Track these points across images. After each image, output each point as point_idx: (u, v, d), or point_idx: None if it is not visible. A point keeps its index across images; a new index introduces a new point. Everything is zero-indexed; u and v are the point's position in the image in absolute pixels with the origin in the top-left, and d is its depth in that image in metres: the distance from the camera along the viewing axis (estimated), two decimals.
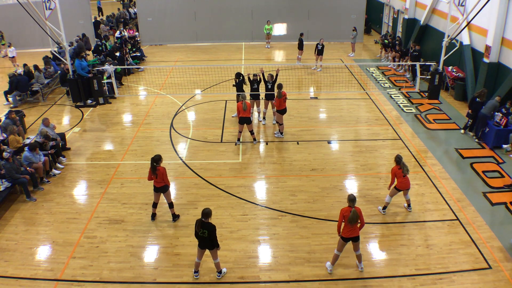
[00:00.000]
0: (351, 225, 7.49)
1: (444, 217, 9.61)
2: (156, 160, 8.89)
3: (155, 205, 9.46)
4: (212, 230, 7.44)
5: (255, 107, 14.40)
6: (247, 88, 14.13)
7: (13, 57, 20.71)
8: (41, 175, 10.97)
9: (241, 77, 13.81)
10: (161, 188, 9.10)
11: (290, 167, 11.69)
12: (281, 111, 12.92)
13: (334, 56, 22.07)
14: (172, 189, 10.66)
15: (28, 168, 10.54)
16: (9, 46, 20.74)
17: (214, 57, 22.63)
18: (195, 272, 8.03)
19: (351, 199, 7.52)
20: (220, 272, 8.06)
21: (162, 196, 9.35)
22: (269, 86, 13.48)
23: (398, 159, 9.19)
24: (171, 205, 9.43)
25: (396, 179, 9.27)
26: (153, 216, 9.58)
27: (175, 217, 9.57)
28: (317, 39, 19.95)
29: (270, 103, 14.08)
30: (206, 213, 7.40)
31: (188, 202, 10.15)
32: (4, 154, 10.31)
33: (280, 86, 12.65)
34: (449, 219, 9.54)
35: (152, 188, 9.18)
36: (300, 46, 20.50)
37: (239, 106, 12.16)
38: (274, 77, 13.52)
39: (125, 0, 38.75)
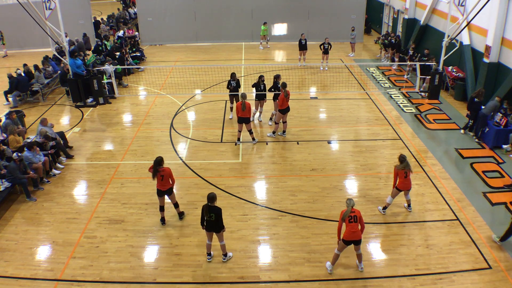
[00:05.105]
0: (343, 220, 7.53)
1: (444, 217, 9.62)
2: (159, 162, 8.78)
3: (162, 208, 9.33)
4: (218, 212, 7.74)
5: (258, 107, 14.37)
6: (246, 89, 14.11)
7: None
8: (41, 175, 10.96)
9: (235, 78, 13.81)
10: (167, 191, 9.04)
11: (290, 167, 11.69)
12: (283, 110, 12.89)
13: (334, 56, 22.03)
14: (173, 189, 10.66)
15: (31, 173, 10.50)
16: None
17: (214, 57, 22.61)
18: (208, 254, 8.27)
19: (349, 203, 7.60)
20: (225, 255, 8.29)
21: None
22: (271, 88, 13.54)
23: (402, 159, 9.18)
24: (176, 205, 9.44)
25: (398, 179, 9.27)
26: (163, 220, 9.43)
27: (182, 215, 9.61)
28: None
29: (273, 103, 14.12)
30: (211, 197, 7.76)
31: (188, 202, 10.15)
32: (14, 155, 10.35)
33: (284, 85, 12.65)
34: (449, 219, 9.55)
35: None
36: (304, 47, 20.18)
37: (238, 106, 12.16)
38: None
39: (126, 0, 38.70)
